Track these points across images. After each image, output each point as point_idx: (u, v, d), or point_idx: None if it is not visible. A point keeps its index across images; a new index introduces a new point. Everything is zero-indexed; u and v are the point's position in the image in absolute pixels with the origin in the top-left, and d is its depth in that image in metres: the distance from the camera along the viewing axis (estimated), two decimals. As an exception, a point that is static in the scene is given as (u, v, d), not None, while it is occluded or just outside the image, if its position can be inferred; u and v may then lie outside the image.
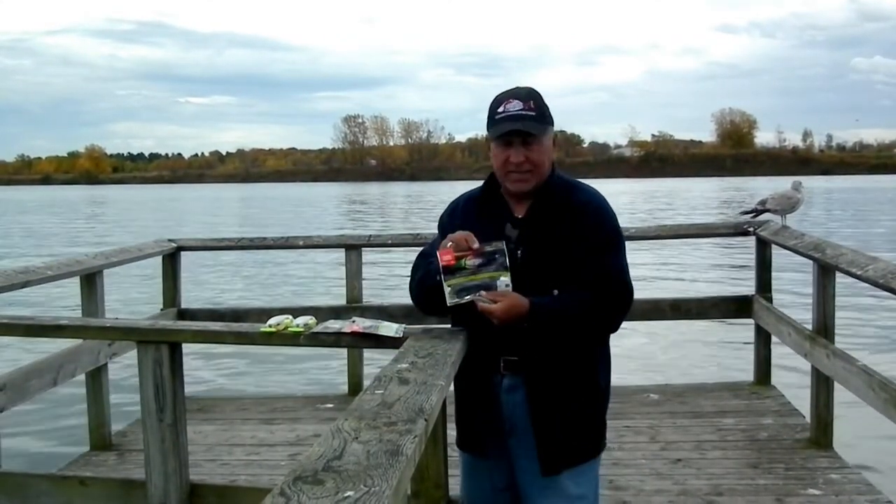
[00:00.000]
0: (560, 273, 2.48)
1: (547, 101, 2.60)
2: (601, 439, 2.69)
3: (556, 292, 2.48)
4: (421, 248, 2.84)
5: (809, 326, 4.83)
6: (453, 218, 2.70)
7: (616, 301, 2.53)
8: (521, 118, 2.49)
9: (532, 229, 2.55)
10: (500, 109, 2.53)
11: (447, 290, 2.47)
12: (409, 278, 2.74)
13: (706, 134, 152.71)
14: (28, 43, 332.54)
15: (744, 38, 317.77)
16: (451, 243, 2.48)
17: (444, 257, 2.48)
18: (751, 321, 6.01)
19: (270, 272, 17.98)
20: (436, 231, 2.82)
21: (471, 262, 2.47)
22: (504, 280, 2.46)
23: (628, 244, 2.70)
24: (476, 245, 2.45)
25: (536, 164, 2.53)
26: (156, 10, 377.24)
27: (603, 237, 2.54)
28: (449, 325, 2.78)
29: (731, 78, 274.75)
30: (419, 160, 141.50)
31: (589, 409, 2.61)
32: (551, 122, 2.59)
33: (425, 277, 2.60)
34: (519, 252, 2.53)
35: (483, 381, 2.58)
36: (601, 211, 2.58)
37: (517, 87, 2.58)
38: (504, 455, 2.62)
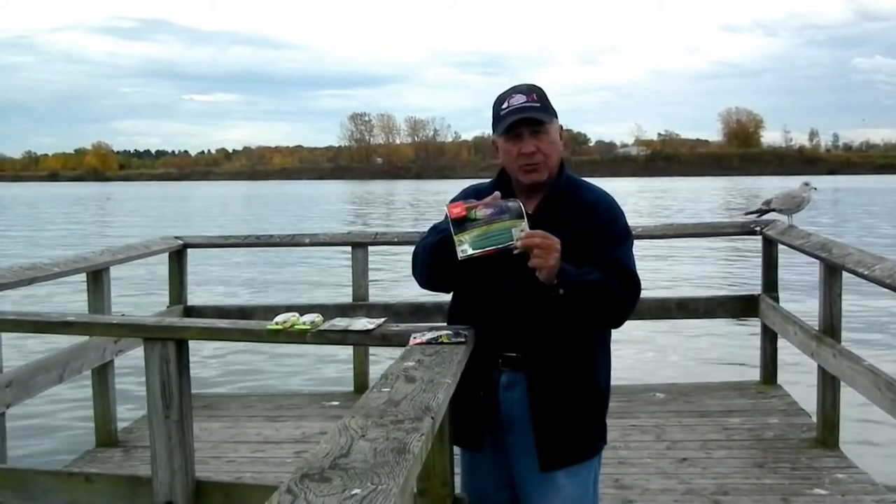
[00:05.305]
0: None
1: (551, 99, 2.61)
2: (599, 440, 2.68)
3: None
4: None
5: (816, 326, 4.83)
6: None
7: (628, 290, 2.53)
8: (527, 109, 2.51)
9: (541, 223, 2.51)
10: (505, 105, 2.55)
11: (457, 243, 2.34)
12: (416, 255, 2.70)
13: (712, 133, 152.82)
14: (31, 40, 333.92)
15: (747, 38, 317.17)
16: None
17: (454, 210, 2.38)
18: (757, 320, 6.00)
19: (277, 270, 17.99)
20: None
21: (482, 212, 2.37)
22: (522, 226, 2.35)
23: (634, 243, 2.70)
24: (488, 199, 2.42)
25: (547, 153, 2.55)
26: (158, 8, 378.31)
27: (614, 233, 2.57)
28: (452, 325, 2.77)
29: (736, 77, 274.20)
30: (425, 158, 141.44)
31: (589, 409, 2.61)
32: (555, 115, 2.60)
33: (434, 241, 2.57)
34: None
35: (481, 378, 2.57)
36: (612, 209, 2.62)
37: (518, 84, 2.60)
38: (502, 452, 2.61)
